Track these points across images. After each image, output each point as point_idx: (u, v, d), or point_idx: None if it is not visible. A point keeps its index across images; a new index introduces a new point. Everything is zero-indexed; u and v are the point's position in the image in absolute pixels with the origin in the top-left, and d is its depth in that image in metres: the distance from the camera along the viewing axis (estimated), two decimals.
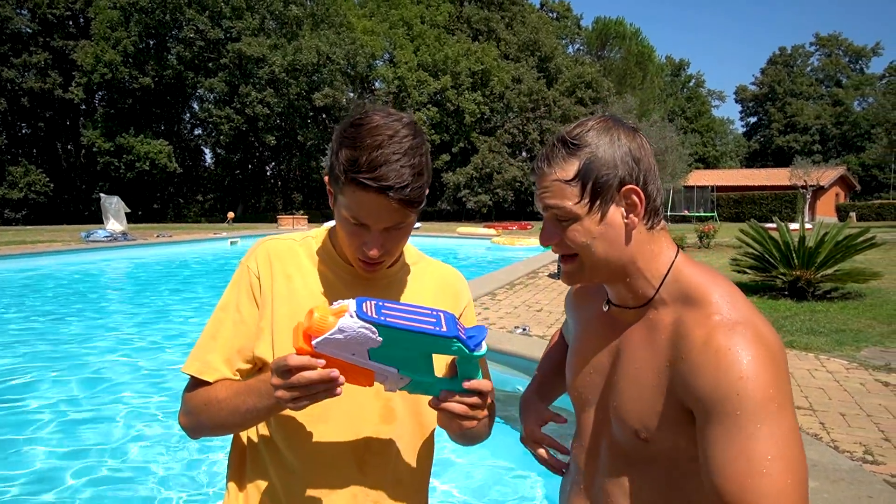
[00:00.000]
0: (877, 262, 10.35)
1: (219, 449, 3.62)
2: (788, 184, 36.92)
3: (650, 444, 0.95)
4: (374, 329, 0.89)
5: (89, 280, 11.50)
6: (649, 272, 0.99)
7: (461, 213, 42.21)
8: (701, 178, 41.85)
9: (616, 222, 0.96)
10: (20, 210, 35.70)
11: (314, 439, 1.12)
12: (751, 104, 72.97)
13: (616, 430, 1.01)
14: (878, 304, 7.12)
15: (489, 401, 1.01)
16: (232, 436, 1.22)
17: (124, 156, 33.05)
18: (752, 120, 74.04)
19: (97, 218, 27.56)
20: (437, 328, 0.92)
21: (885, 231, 20.44)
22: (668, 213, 35.43)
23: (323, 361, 0.89)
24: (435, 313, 0.95)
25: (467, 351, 0.94)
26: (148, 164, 33.24)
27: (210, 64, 35.08)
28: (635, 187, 0.95)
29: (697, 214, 34.51)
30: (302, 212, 29.97)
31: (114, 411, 4.35)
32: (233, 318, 1.13)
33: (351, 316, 0.88)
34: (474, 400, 0.97)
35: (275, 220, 29.48)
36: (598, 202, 0.95)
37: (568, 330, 1.30)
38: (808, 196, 35.88)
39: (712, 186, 36.83)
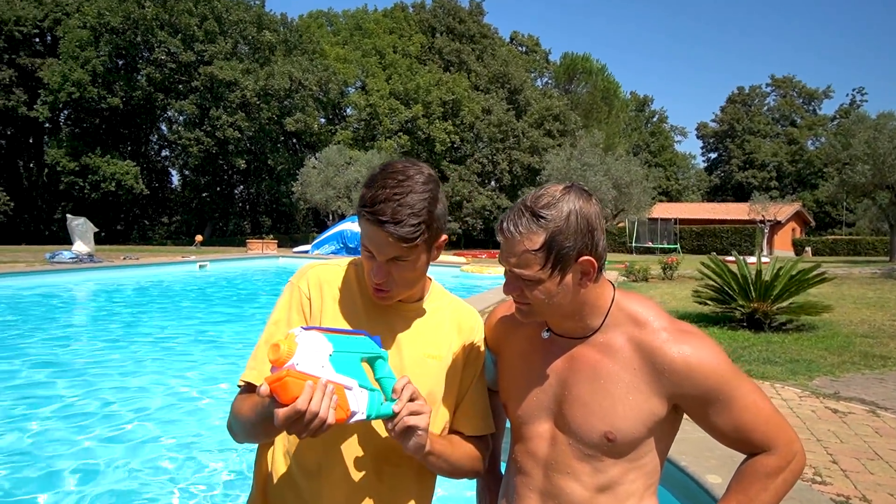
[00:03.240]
0: (829, 295, 10.86)
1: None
2: (747, 218, 38.13)
3: (615, 442, 1.19)
4: (322, 336, 1.06)
5: (55, 301, 11.31)
6: (595, 309, 1.24)
7: None
8: (664, 210, 42.88)
9: (572, 284, 1.19)
10: None
11: (336, 446, 1.26)
12: (711, 140, 75.45)
13: (579, 435, 1.22)
14: (829, 335, 7.50)
15: (420, 400, 1.13)
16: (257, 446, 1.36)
17: (90, 176, 32.52)
18: (713, 155, 76.48)
19: (58, 238, 26.99)
20: (351, 330, 1.15)
21: (837, 266, 21.32)
22: (633, 245, 36.26)
23: (311, 382, 1.01)
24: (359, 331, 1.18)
25: (378, 347, 1.17)
26: (114, 184, 32.75)
27: (181, 86, 34.98)
28: (590, 258, 1.16)
29: (661, 246, 35.39)
30: (271, 236, 29.77)
31: (99, 438, 4.36)
32: (283, 332, 1.25)
33: (300, 333, 1.05)
34: (411, 406, 1.11)
35: (243, 244, 29.22)
36: (557, 268, 1.16)
37: (488, 367, 1.47)
38: (766, 230, 37.12)
39: (675, 219, 37.84)
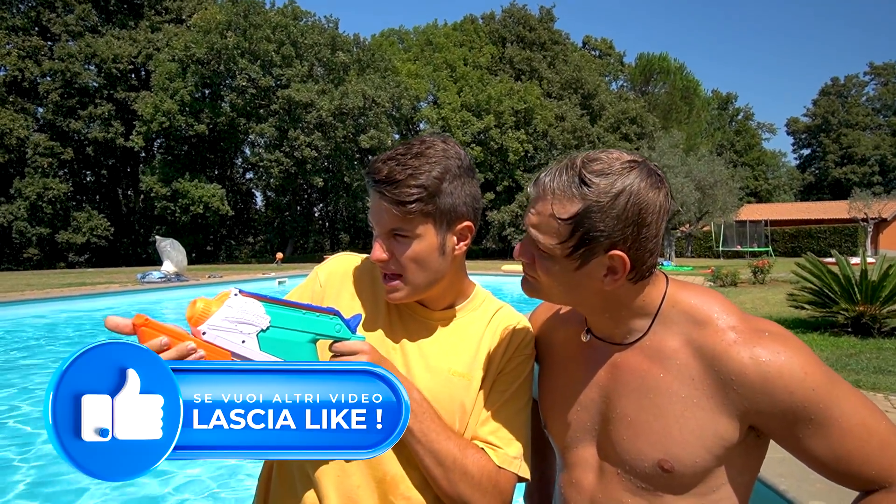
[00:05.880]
0: None
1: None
2: (847, 217, 35.56)
3: (673, 473, 0.91)
4: (261, 306, 0.86)
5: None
6: (637, 308, 0.96)
7: (506, 252, 42.07)
8: (753, 212, 40.77)
9: (592, 276, 0.92)
10: (83, 253, 37.31)
11: (339, 473, 1.07)
12: (803, 136, 71.13)
13: (627, 464, 0.95)
14: None
15: None
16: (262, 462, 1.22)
17: (180, 200, 34.32)
18: (806, 152, 72.07)
19: (152, 260, 28.56)
20: (319, 307, 0.95)
21: None
22: (721, 249, 34.50)
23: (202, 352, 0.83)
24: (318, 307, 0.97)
25: (349, 331, 0.95)
26: (202, 207, 34.39)
27: (261, 110, 36.40)
28: (622, 254, 0.88)
29: (751, 249, 33.47)
30: (348, 251, 30.36)
31: None
32: None
33: (235, 295, 0.86)
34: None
35: (321, 261, 29.94)
36: (580, 251, 0.89)
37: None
38: (869, 229, 34.44)
39: (766, 221, 35.76)
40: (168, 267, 17.30)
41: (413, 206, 1.00)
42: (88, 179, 40.67)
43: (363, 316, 1.01)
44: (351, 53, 38.60)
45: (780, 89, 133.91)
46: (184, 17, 39.21)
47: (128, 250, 39.19)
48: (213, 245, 42.54)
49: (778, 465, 2.50)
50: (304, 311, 0.92)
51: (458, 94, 41.80)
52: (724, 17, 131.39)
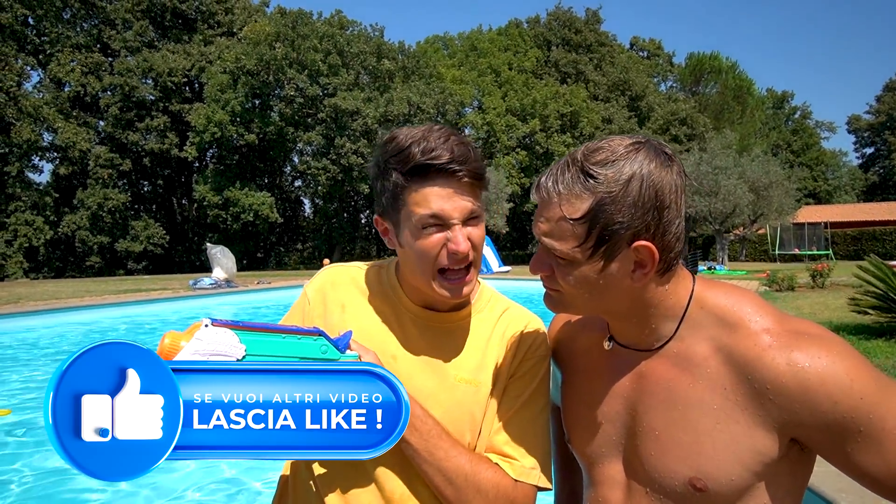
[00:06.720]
0: None
1: None
2: None
3: (707, 492, 0.85)
4: (234, 335, 0.84)
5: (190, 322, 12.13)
6: (665, 309, 0.89)
7: None
8: (812, 214, 39.23)
9: (619, 275, 0.85)
10: (141, 261, 38.73)
11: (354, 485, 1.03)
12: (866, 134, 68.07)
13: (657, 482, 0.88)
14: None
15: None
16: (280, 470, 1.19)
17: (231, 208, 35.26)
18: (869, 151, 68.92)
19: (206, 267, 29.41)
20: (301, 329, 0.90)
21: None
22: (777, 252, 33.27)
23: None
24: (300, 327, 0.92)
25: (337, 351, 0.89)
26: (252, 215, 35.26)
27: (309, 119, 37.12)
28: (649, 244, 0.82)
29: (810, 252, 32.17)
30: (337, 263, 30.71)
31: None
32: None
33: (207, 326, 0.84)
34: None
35: None
36: (602, 250, 0.83)
37: (555, 378, 1.13)
38: None
39: (825, 223, 34.34)
40: (218, 273, 17.73)
41: (486, 179, 0.98)
42: (145, 189, 42.27)
43: (353, 333, 0.95)
44: (396, 61, 39.00)
45: (840, 86, 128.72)
46: (234, 29, 40.38)
47: (182, 257, 40.47)
48: (263, 252, 43.53)
49: (837, 478, 2.30)
50: (283, 336, 0.88)
51: (502, 98, 41.71)
52: (779, 13, 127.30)
